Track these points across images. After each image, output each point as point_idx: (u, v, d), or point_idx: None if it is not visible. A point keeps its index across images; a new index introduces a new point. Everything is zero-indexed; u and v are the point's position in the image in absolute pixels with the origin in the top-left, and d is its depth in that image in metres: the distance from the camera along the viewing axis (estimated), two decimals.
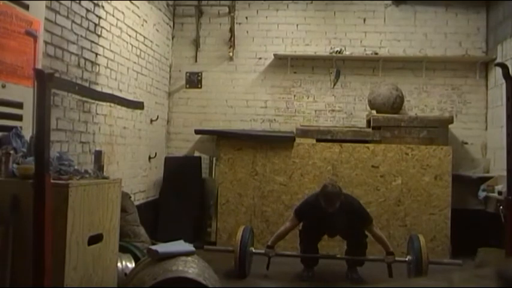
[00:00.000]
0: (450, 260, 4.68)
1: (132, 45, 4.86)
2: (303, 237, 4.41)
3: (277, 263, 4.31)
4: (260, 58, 6.10)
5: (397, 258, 4.16)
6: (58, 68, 3.51)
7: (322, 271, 4.50)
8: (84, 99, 3.90)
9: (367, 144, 5.28)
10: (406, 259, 4.18)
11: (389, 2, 5.97)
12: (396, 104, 5.48)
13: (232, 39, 6.09)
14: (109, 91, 4.38)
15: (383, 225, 5.15)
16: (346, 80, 5.98)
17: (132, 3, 4.84)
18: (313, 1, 6.06)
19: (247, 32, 6.13)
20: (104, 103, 4.28)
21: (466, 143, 5.77)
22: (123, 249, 3.58)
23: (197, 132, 5.84)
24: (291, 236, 4.65)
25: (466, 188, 5.36)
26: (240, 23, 6.13)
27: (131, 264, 3.47)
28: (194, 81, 6.17)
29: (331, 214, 4.07)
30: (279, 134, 5.62)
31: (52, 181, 2.34)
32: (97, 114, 4.15)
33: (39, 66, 3.16)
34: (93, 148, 4.01)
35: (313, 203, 4.22)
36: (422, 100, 5.88)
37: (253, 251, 4.37)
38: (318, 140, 5.36)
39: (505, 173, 2.93)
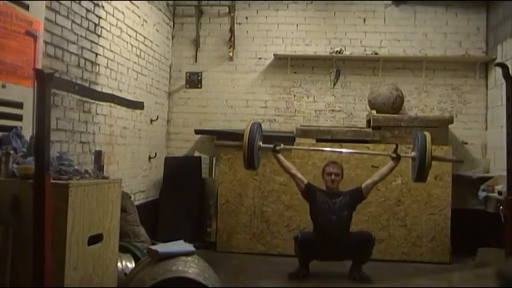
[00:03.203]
0: (452, 158, 4.99)
1: (132, 45, 4.86)
2: (301, 246, 4.38)
3: (277, 263, 4.31)
4: (260, 58, 6.10)
5: (402, 154, 4.38)
6: (58, 68, 3.51)
7: (322, 271, 4.49)
8: (84, 99, 3.90)
9: (367, 144, 5.28)
10: (411, 155, 4.26)
11: (389, 2, 5.97)
12: (396, 104, 5.48)
13: (232, 39, 6.09)
14: (109, 91, 4.38)
15: (383, 225, 5.16)
16: (346, 80, 5.98)
17: (132, 3, 4.84)
18: (313, 1, 6.06)
19: (247, 32, 6.13)
20: (104, 103, 4.28)
21: (466, 143, 5.77)
22: (123, 249, 3.58)
23: (197, 132, 5.84)
24: (291, 236, 4.66)
25: (466, 188, 5.35)
26: (240, 23, 6.13)
27: (131, 264, 3.47)
28: (194, 81, 6.17)
29: (334, 196, 4.44)
30: (279, 134, 5.61)
31: (52, 181, 2.34)
32: (97, 114, 4.15)
33: (39, 66, 3.16)
34: (93, 148, 4.01)
35: (321, 188, 4.58)
36: (422, 100, 5.88)
37: (261, 145, 4.45)
38: (318, 140, 5.36)
39: (505, 173, 2.93)
